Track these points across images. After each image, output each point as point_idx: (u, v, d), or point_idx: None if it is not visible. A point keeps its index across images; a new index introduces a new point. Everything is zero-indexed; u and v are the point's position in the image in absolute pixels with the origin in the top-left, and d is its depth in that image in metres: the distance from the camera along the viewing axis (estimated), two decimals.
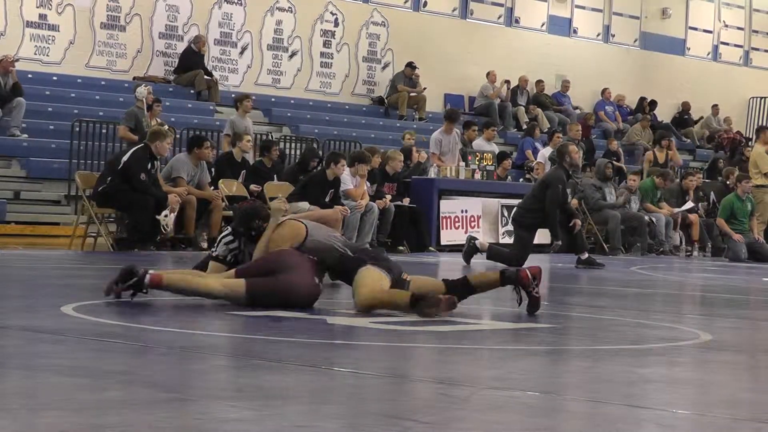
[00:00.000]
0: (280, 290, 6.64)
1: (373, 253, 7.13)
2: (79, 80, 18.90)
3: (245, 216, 7.12)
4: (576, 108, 25.52)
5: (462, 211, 16.90)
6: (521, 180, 19.46)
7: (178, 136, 16.57)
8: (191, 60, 19.93)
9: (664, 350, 5.69)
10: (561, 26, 26.33)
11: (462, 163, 17.38)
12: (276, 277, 6.67)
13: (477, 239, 13.34)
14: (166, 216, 12.99)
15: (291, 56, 21.96)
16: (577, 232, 13.39)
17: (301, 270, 6.73)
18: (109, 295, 6.66)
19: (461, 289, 6.85)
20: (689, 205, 19.14)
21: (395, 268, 6.84)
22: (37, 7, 18.90)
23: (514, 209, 13.95)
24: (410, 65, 22.50)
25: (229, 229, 7.35)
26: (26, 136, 16.47)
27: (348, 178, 15.22)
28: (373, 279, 6.67)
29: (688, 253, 19.33)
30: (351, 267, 6.80)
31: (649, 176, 19.40)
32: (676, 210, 18.91)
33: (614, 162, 19.84)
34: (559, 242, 13.46)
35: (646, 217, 18.46)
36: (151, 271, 6.63)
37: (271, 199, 14.91)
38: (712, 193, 20.34)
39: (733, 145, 26.29)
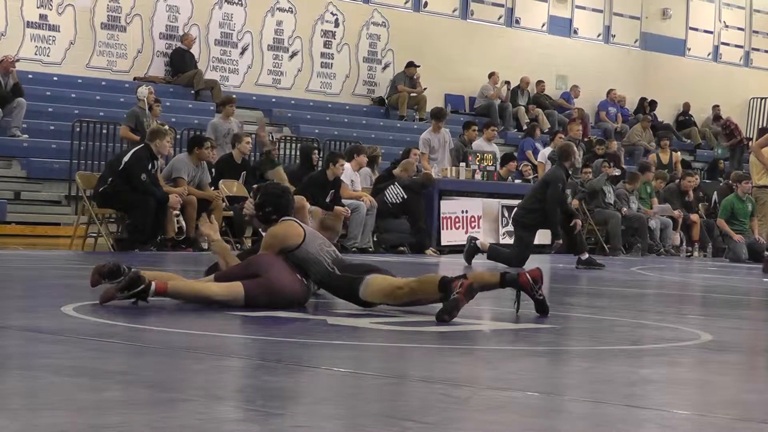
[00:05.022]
0: (273, 290, 6.62)
1: (364, 268, 6.90)
2: (79, 80, 18.91)
3: (265, 198, 6.99)
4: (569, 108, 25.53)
5: (462, 212, 16.90)
6: (518, 180, 19.44)
7: (178, 136, 16.59)
8: (183, 58, 19.97)
9: (664, 350, 5.69)
10: (561, 27, 26.34)
11: (462, 164, 17.38)
12: (266, 278, 6.64)
13: (477, 239, 13.34)
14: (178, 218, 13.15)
15: (291, 57, 21.96)
16: (577, 232, 13.39)
17: (282, 270, 6.70)
18: (106, 302, 6.46)
19: (446, 290, 6.71)
20: (664, 206, 19.22)
21: (385, 270, 6.83)
22: (38, 8, 18.91)
23: (515, 209, 13.94)
24: (411, 65, 22.51)
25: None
26: (27, 136, 16.48)
27: (349, 174, 15.28)
28: (384, 279, 6.68)
29: (689, 254, 19.34)
30: (336, 285, 6.77)
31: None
32: (655, 208, 19.00)
33: (610, 163, 19.84)
34: (560, 241, 13.46)
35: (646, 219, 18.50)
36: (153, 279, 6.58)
37: None
38: (714, 193, 20.35)
39: (741, 139, 26.34)
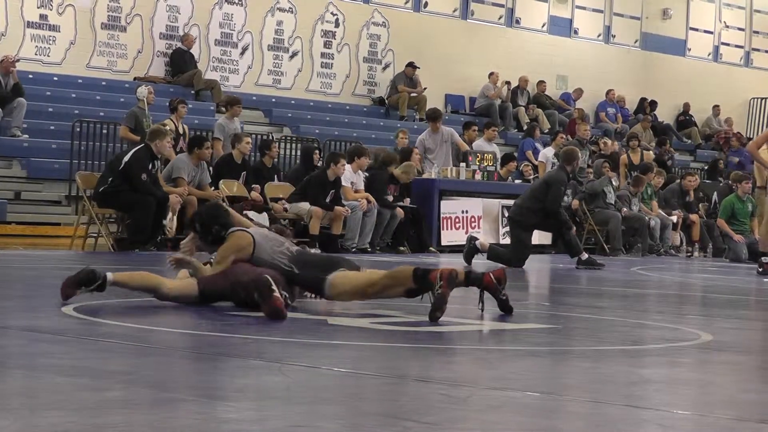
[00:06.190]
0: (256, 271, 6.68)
1: (325, 264, 6.84)
2: (79, 81, 18.91)
3: (204, 223, 7.00)
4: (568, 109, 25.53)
5: (462, 212, 16.90)
6: (518, 180, 19.43)
7: None
8: (183, 58, 19.97)
9: (664, 351, 5.69)
10: (562, 27, 26.33)
11: (462, 164, 17.38)
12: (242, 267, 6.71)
13: (477, 239, 13.33)
14: (169, 221, 13.11)
15: (292, 57, 21.96)
16: (570, 237, 13.41)
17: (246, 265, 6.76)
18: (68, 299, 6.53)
19: (423, 282, 6.44)
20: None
21: (348, 263, 6.84)
22: (38, 8, 18.90)
23: (511, 208, 13.85)
24: (411, 65, 22.51)
25: None
26: (27, 136, 16.48)
27: (349, 176, 15.26)
28: (351, 275, 6.68)
29: (689, 254, 19.34)
30: (301, 284, 6.79)
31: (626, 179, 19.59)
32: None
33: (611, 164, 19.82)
34: (573, 229, 13.53)
35: (647, 218, 18.50)
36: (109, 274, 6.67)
37: (273, 200, 14.97)
38: (714, 193, 20.34)
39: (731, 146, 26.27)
